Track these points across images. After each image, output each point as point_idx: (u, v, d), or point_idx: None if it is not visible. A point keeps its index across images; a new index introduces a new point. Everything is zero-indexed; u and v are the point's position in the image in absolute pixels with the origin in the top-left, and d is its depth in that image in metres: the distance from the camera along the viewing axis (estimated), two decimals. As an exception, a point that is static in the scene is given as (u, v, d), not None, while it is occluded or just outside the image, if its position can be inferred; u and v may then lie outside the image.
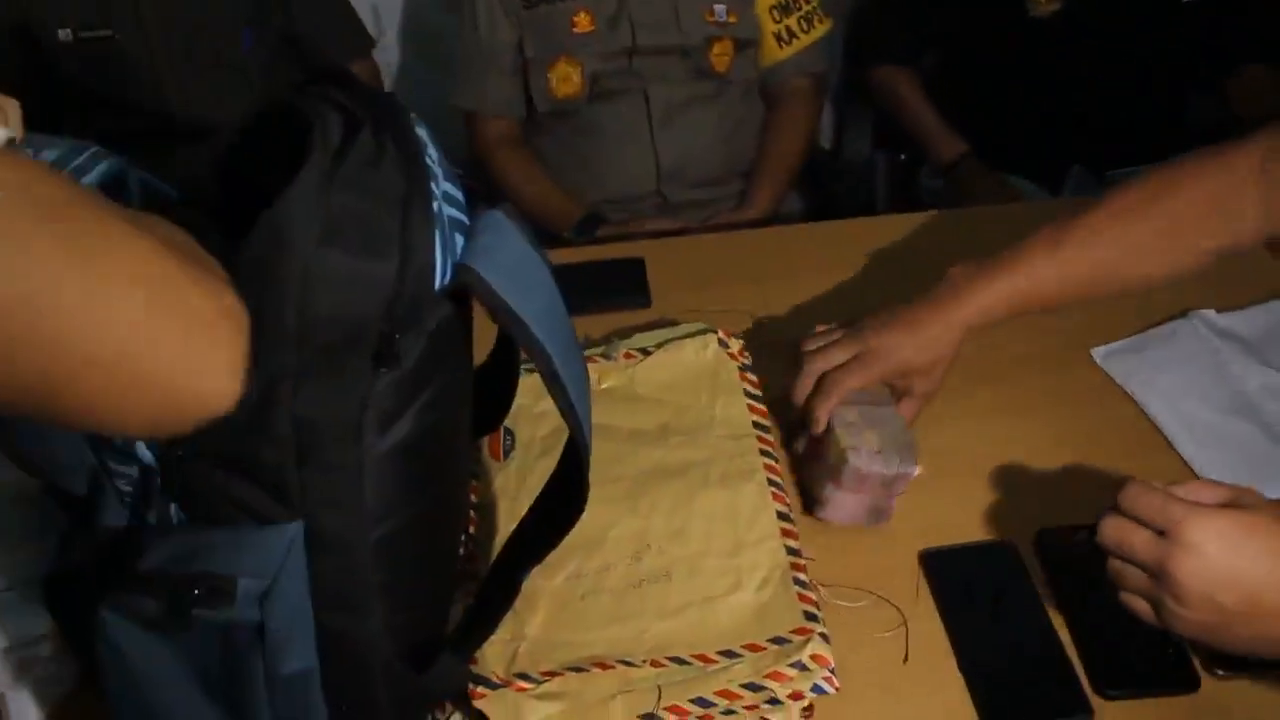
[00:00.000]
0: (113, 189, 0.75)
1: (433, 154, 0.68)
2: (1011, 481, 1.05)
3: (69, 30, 1.76)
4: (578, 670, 0.85)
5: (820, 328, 1.08)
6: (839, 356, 1.02)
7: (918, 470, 0.97)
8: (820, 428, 1.00)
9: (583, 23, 1.74)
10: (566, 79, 1.76)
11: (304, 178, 0.63)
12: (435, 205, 0.65)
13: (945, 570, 0.96)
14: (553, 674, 0.85)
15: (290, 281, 0.63)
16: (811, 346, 1.05)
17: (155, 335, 0.55)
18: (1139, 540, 0.75)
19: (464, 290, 0.67)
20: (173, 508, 0.71)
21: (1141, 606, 0.78)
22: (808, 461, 1.04)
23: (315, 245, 0.62)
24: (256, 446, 0.67)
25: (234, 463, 0.67)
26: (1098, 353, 1.18)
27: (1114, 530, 0.77)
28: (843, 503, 0.98)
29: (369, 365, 0.66)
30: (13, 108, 0.70)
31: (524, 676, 0.85)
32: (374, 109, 0.68)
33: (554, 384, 0.70)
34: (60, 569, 0.80)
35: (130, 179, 0.73)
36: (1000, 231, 1.42)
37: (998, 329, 1.18)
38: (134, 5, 1.77)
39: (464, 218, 0.69)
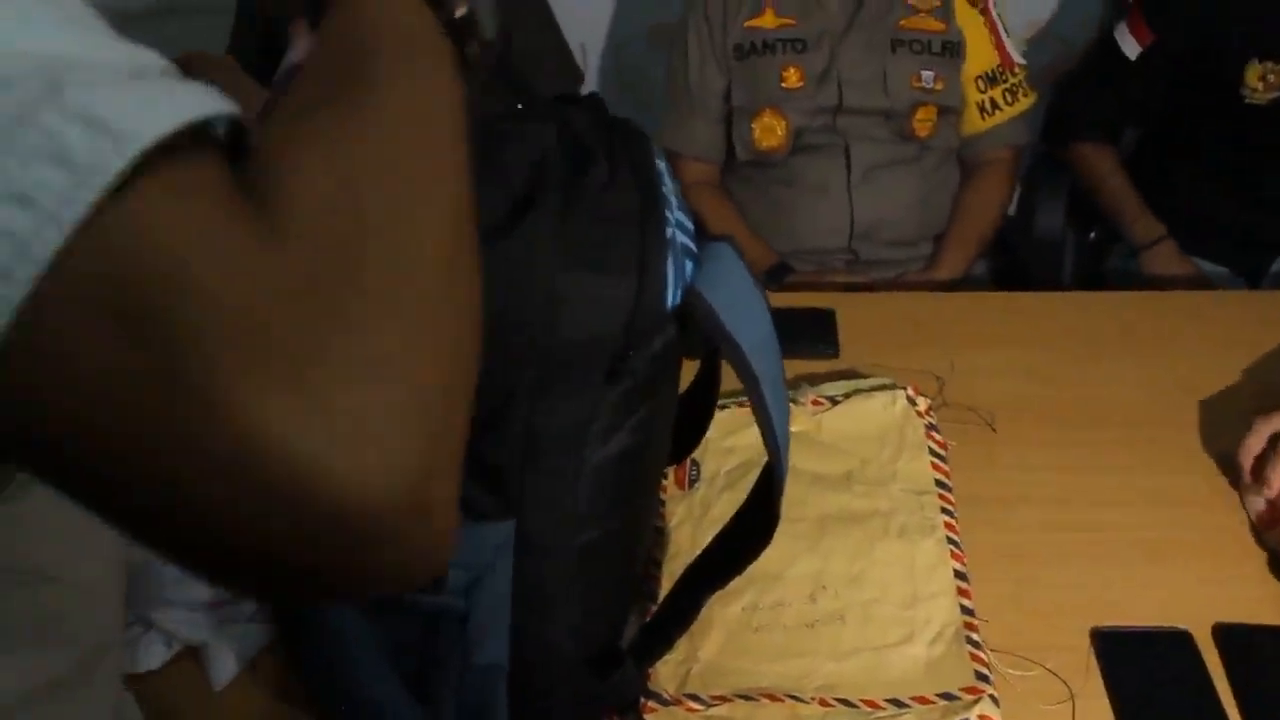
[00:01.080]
0: None
1: (669, 183, 0.72)
2: (1189, 566, 1.04)
3: None
4: (747, 698, 0.88)
5: None
6: None
7: None
8: (1274, 491, 1.01)
9: (792, 78, 1.78)
10: (770, 131, 1.80)
11: (543, 202, 0.68)
12: (669, 230, 0.70)
13: (1118, 651, 0.96)
14: (722, 699, 0.88)
15: (536, 301, 0.68)
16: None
17: None
18: None
19: (689, 314, 0.72)
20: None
21: None
22: (1272, 524, 1.04)
23: (559, 267, 0.67)
24: (488, 447, 0.72)
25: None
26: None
27: None
28: None
29: (602, 379, 0.70)
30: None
31: (694, 697, 0.88)
32: (613, 134, 0.73)
33: (762, 413, 0.74)
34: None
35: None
36: (1192, 319, 1.42)
37: (1185, 406, 1.19)
38: None
39: (693, 245, 0.74)
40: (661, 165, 0.75)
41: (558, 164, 0.71)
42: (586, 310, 0.69)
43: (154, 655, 0.95)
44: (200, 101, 0.35)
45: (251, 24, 1.95)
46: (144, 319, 0.32)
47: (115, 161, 0.32)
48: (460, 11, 0.55)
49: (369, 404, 0.33)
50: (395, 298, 0.35)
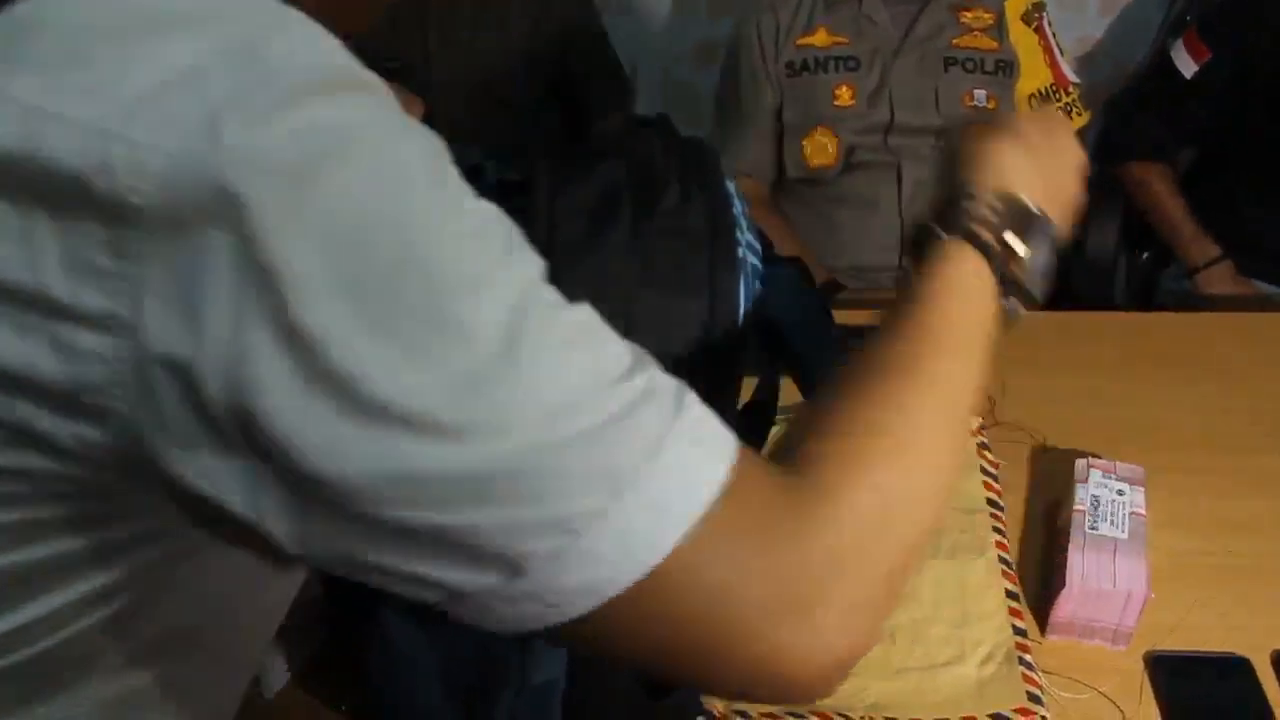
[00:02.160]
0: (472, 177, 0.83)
1: (739, 206, 0.73)
2: (1249, 593, 1.02)
3: (395, 59, 1.92)
4: (796, 715, 0.87)
5: None
6: None
7: None
8: None
9: (844, 96, 1.78)
10: (822, 149, 1.80)
11: (618, 225, 0.69)
12: (740, 251, 0.70)
13: (1173, 676, 0.94)
14: (772, 715, 0.88)
15: (612, 324, 0.68)
16: None
17: None
18: None
19: (758, 333, 0.72)
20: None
21: None
22: None
23: (635, 287, 0.67)
24: None
25: None
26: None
27: None
28: None
29: None
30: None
31: (743, 715, 0.88)
32: (685, 154, 0.74)
33: None
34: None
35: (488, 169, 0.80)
36: (1250, 340, 1.40)
37: (1240, 429, 1.17)
38: (423, 38, 1.91)
39: (761, 266, 0.74)
40: (731, 186, 0.75)
41: (629, 190, 0.71)
42: (660, 331, 0.69)
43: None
44: (720, 452, 0.47)
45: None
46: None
47: (673, 536, 0.45)
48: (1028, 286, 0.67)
49: (844, 646, 0.48)
50: (882, 580, 0.50)
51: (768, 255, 0.75)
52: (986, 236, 0.64)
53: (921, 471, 0.54)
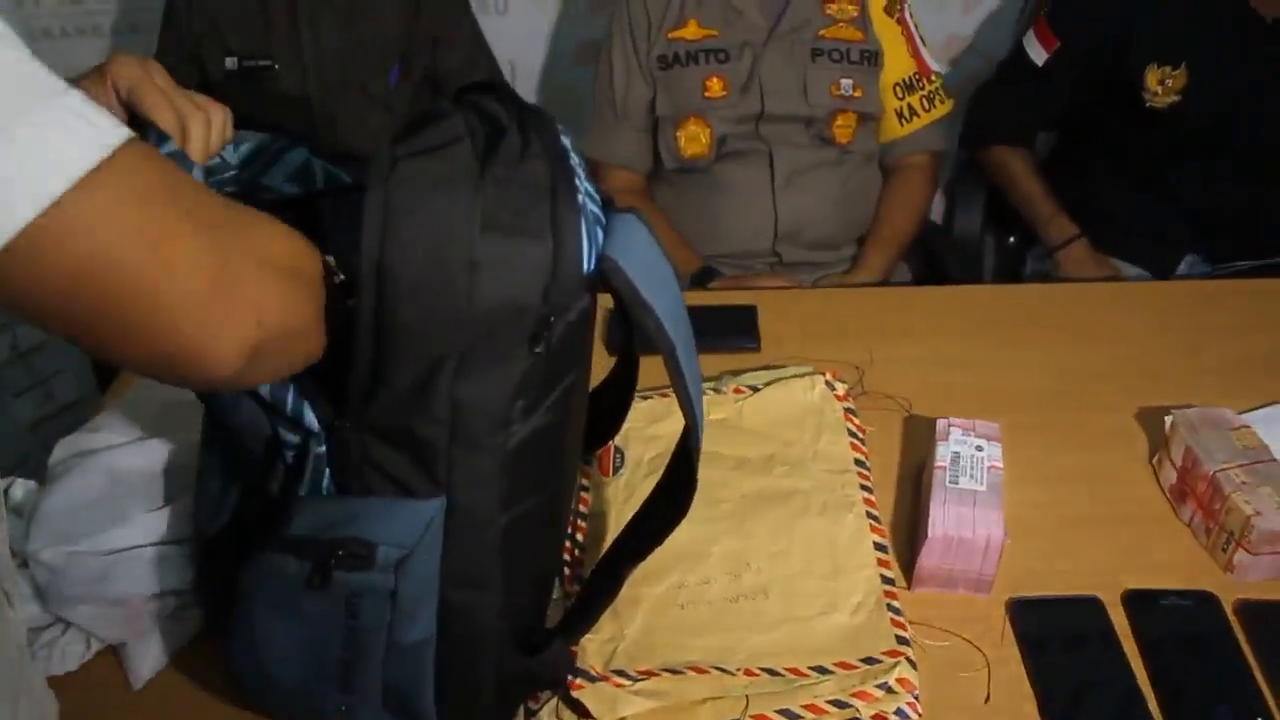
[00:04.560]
0: (302, 173, 0.84)
1: (575, 158, 0.74)
2: (1100, 538, 1.08)
3: (235, 59, 1.91)
4: (674, 672, 0.89)
5: None
6: None
7: None
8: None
9: (715, 87, 1.82)
10: (695, 139, 1.84)
11: (457, 175, 0.70)
12: (580, 197, 0.72)
13: (1031, 619, 0.99)
14: (650, 673, 0.89)
15: (458, 269, 0.69)
16: None
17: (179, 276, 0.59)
18: None
19: (601, 282, 0.73)
20: (324, 479, 0.78)
21: None
22: (1182, 497, 1.08)
23: (478, 233, 0.69)
24: (415, 422, 0.73)
25: (392, 436, 0.74)
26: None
27: None
28: (1255, 564, 1.02)
29: (526, 349, 0.72)
30: (218, 113, 0.80)
31: (621, 673, 0.90)
32: (520, 110, 0.75)
33: (675, 373, 0.76)
34: (213, 530, 0.86)
35: (315, 166, 0.82)
36: (1104, 309, 1.47)
37: (1094, 389, 1.23)
38: (295, 38, 1.91)
39: (602, 215, 0.76)
40: (567, 141, 0.76)
41: (470, 139, 0.72)
42: (506, 276, 0.70)
43: (71, 656, 0.94)
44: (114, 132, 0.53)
45: (177, 42, 1.96)
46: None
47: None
48: None
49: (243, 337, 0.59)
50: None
51: (606, 204, 0.76)
52: None
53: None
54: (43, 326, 0.56)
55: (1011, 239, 2.13)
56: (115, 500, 0.95)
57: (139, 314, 0.55)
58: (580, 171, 0.74)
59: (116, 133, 0.54)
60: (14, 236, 0.50)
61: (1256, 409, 1.22)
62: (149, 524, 0.94)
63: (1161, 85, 1.80)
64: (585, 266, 0.72)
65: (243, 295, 0.59)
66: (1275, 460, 1.06)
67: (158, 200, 0.55)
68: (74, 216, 0.51)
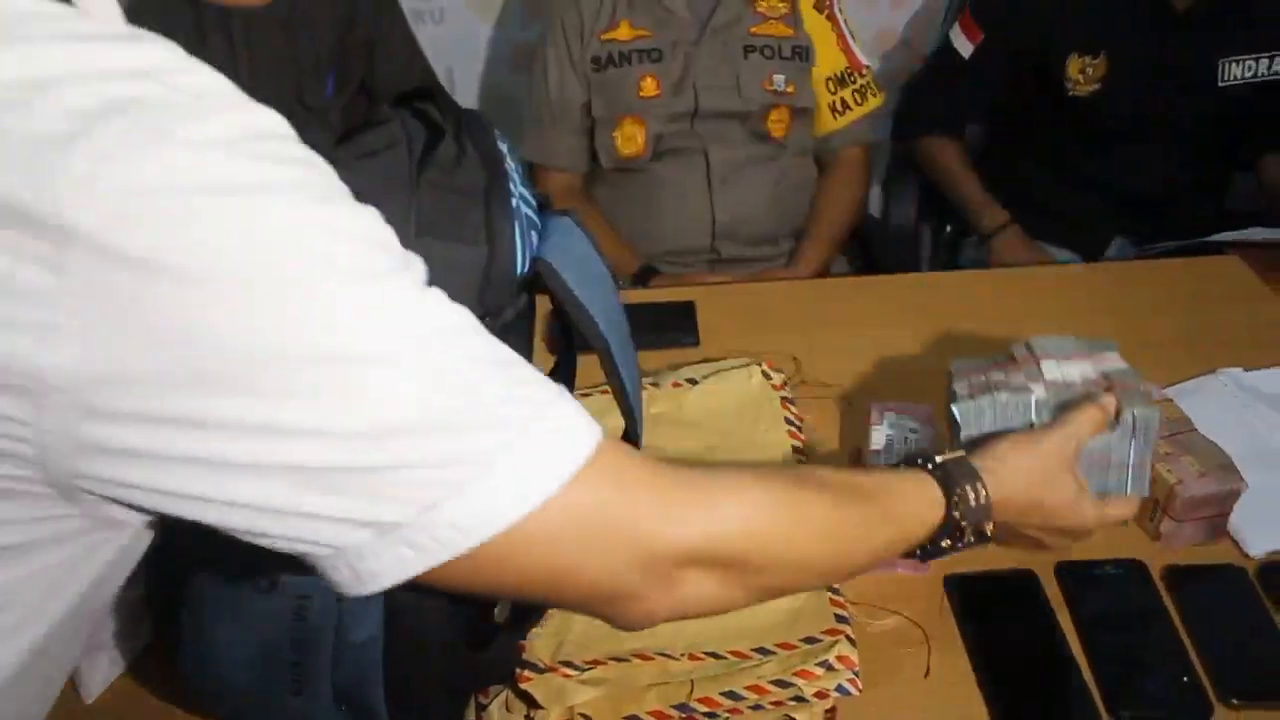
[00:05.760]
0: None
1: (510, 163, 0.76)
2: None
3: None
4: (619, 660, 0.91)
5: None
6: None
7: (1245, 485, 1.04)
8: None
9: (649, 87, 1.84)
10: (631, 139, 1.85)
11: (393, 179, 0.71)
12: (514, 201, 0.73)
13: (969, 594, 1.02)
14: (596, 662, 0.91)
15: None
16: None
17: None
18: None
19: (537, 283, 0.75)
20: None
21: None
22: None
23: (412, 237, 0.70)
24: None
25: None
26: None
27: None
28: (1180, 531, 1.05)
29: None
30: None
31: (568, 664, 0.91)
32: (457, 116, 0.77)
33: (611, 371, 0.78)
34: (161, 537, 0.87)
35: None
36: (1035, 292, 1.51)
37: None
38: (229, 46, 1.90)
39: (537, 219, 0.77)
40: (504, 147, 0.78)
41: (406, 143, 0.74)
42: (440, 279, 0.71)
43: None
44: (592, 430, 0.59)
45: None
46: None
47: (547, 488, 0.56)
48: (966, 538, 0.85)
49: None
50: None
51: (542, 207, 0.78)
52: (963, 520, 0.83)
53: (802, 549, 0.71)
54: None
55: (948, 228, 2.18)
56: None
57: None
58: (515, 175, 0.75)
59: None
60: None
61: (1180, 383, 1.26)
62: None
63: (1082, 74, 1.85)
64: (519, 269, 0.74)
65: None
66: (1196, 431, 1.10)
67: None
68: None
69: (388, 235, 0.54)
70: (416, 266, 0.55)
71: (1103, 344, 1.02)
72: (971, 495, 0.83)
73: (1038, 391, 0.96)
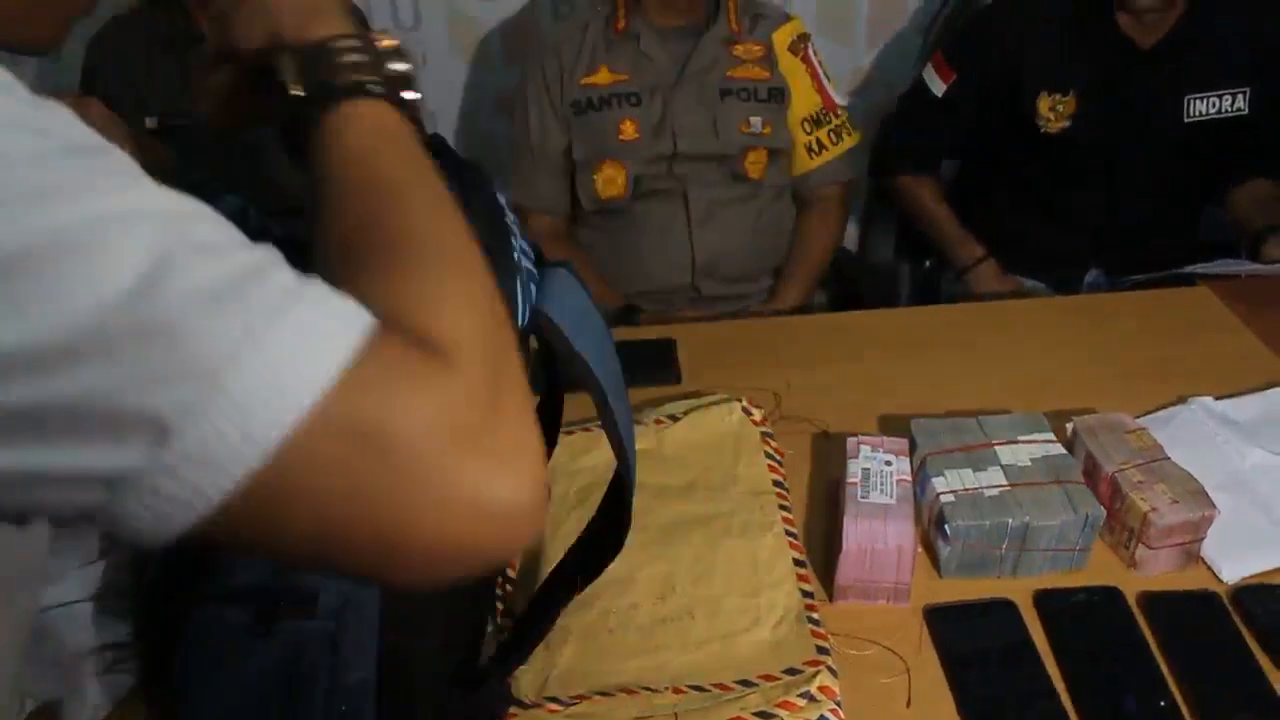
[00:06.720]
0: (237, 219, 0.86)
1: (510, 216, 0.78)
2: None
3: (155, 118, 1.92)
4: (605, 694, 0.92)
5: None
6: None
7: (1218, 511, 1.05)
8: None
9: (628, 130, 1.87)
10: (611, 181, 1.88)
11: None
12: (516, 255, 0.75)
13: (948, 624, 1.03)
14: (581, 697, 0.92)
15: None
16: None
17: None
18: None
19: (538, 333, 0.77)
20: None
21: None
22: (1109, 530, 1.11)
23: None
24: None
25: None
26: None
27: None
28: (1155, 558, 1.07)
29: None
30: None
31: (554, 700, 0.92)
32: (460, 172, 0.79)
33: (606, 416, 0.79)
34: (152, 581, 0.87)
35: (250, 216, 0.84)
36: (1009, 324, 1.53)
37: (1002, 400, 1.28)
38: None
39: (535, 271, 0.79)
40: (502, 200, 0.80)
41: None
42: None
43: (6, 714, 0.94)
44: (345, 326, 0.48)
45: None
46: (376, 448, 0.46)
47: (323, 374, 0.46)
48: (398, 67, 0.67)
49: (524, 465, 0.49)
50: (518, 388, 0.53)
51: (539, 258, 0.80)
52: (373, 80, 0.66)
53: (473, 276, 0.57)
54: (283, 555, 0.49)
55: (927, 263, 2.21)
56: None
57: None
58: (515, 229, 0.77)
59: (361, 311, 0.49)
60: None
61: (1152, 412, 1.28)
62: (84, 578, 0.95)
63: (1053, 112, 1.88)
64: (520, 322, 0.75)
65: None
66: (1169, 459, 1.12)
67: None
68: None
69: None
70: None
71: None
72: None
73: None
